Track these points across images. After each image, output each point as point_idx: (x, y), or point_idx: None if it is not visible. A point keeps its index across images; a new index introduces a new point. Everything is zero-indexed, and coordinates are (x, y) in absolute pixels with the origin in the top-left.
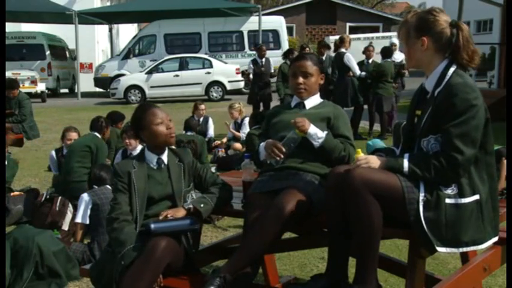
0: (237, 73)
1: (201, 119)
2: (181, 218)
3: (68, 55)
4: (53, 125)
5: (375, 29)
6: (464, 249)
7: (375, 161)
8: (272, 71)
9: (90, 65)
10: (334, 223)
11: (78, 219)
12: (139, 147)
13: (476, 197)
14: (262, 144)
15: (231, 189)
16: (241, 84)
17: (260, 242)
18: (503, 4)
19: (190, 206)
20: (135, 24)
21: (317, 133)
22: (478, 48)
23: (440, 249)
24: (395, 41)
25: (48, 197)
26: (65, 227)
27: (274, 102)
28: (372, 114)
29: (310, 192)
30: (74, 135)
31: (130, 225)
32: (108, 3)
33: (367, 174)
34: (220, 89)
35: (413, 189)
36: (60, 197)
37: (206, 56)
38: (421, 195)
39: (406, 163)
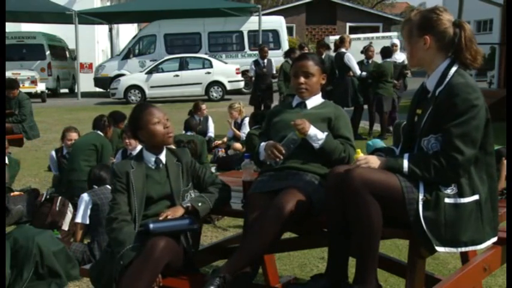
0: (237, 73)
1: (201, 119)
2: (180, 217)
3: (68, 55)
4: (53, 125)
5: (375, 29)
6: (463, 249)
7: (374, 161)
8: (274, 72)
9: (90, 65)
10: (334, 223)
11: (78, 219)
12: (139, 147)
13: (476, 197)
14: (263, 144)
15: (229, 189)
16: (241, 84)
17: (260, 242)
18: (503, 4)
19: (188, 204)
20: (135, 24)
21: (317, 135)
22: (481, 49)
23: (439, 249)
24: (396, 41)
25: (48, 197)
26: (65, 227)
27: (276, 104)
28: (372, 114)
29: (310, 192)
30: (74, 136)
31: (129, 225)
32: (108, 3)
33: (366, 174)
34: (220, 89)
35: (413, 189)
36: (60, 197)
37: (206, 56)
38: (421, 195)
39: (405, 163)
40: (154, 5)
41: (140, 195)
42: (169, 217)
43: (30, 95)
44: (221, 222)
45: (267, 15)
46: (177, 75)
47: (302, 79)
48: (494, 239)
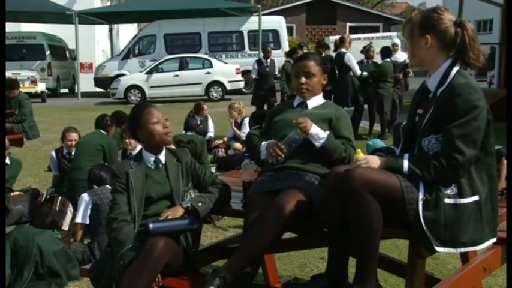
0: (237, 73)
1: (201, 119)
2: (180, 217)
3: (68, 55)
4: (53, 125)
5: (375, 29)
6: (463, 250)
7: (374, 161)
8: (276, 72)
9: (90, 65)
10: (334, 223)
11: (78, 219)
12: (139, 147)
13: (476, 197)
14: (264, 143)
15: (229, 189)
16: (241, 84)
17: (260, 242)
18: (503, 4)
19: (188, 204)
20: (135, 24)
21: (319, 133)
22: (483, 48)
23: (438, 249)
24: (397, 40)
25: (48, 197)
26: (65, 227)
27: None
28: (372, 114)
29: (310, 192)
30: (74, 136)
31: (129, 225)
32: (108, 3)
33: (366, 174)
34: (220, 89)
35: (413, 189)
36: (60, 197)
37: (206, 56)
38: (421, 195)
39: (406, 163)
40: (154, 5)
41: (140, 195)
42: (169, 217)
43: (30, 95)
44: (221, 222)
45: (267, 15)
46: (177, 75)
47: (303, 79)
48: (494, 240)
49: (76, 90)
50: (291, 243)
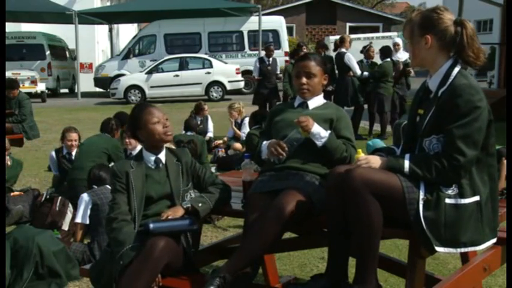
0: (237, 73)
1: (202, 119)
2: (181, 218)
3: (68, 55)
4: (53, 125)
5: (375, 29)
6: (463, 250)
7: (375, 161)
8: (278, 72)
9: (90, 65)
10: (334, 223)
11: (78, 219)
12: (139, 147)
13: (477, 198)
14: (265, 142)
15: (229, 189)
16: (241, 84)
17: (260, 242)
18: (503, 4)
19: (189, 204)
20: (135, 24)
21: (320, 133)
22: (483, 47)
23: (439, 249)
24: (398, 40)
25: (48, 197)
26: (65, 227)
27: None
28: (372, 115)
29: (311, 192)
30: (74, 136)
31: (129, 225)
32: (108, 3)
33: (367, 174)
34: (220, 89)
35: (414, 189)
36: (60, 197)
37: (206, 56)
38: (421, 195)
39: (407, 163)
40: (154, 5)
41: (140, 195)
42: (169, 217)
43: (30, 95)
44: (221, 222)
45: (267, 15)
46: (177, 75)
47: (304, 79)
48: (494, 240)
49: (76, 90)
50: (291, 243)
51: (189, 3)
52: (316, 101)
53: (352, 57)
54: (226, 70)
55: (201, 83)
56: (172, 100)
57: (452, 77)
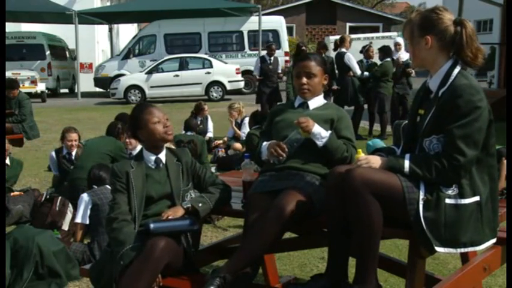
0: (237, 73)
1: (202, 119)
2: (181, 218)
3: (68, 55)
4: (53, 125)
5: (375, 29)
6: (462, 250)
7: (375, 161)
8: (280, 71)
9: (90, 65)
10: (334, 223)
11: (78, 219)
12: (139, 147)
13: (477, 198)
14: (265, 143)
15: (230, 189)
16: (241, 84)
17: (260, 242)
18: (503, 4)
19: (189, 205)
20: (135, 24)
21: (321, 132)
22: (483, 48)
23: (438, 249)
24: (400, 40)
25: (48, 197)
26: (65, 227)
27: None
28: (372, 115)
29: (311, 192)
30: (73, 136)
31: (129, 225)
32: (108, 3)
33: (367, 174)
34: (220, 89)
35: (414, 189)
36: (60, 197)
37: (206, 56)
38: (421, 195)
39: (407, 163)
40: (154, 5)
41: (140, 195)
42: (170, 217)
43: (30, 95)
44: (221, 222)
45: (267, 15)
46: (177, 75)
47: (304, 80)
48: (494, 241)
49: (76, 90)
50: (291, 243)
51: (189, 3)
52: (317, 101)
53: (352, 57)
54: (226, 70)
55: (201, 83)
56: (172, 100)
57: (452, 77)
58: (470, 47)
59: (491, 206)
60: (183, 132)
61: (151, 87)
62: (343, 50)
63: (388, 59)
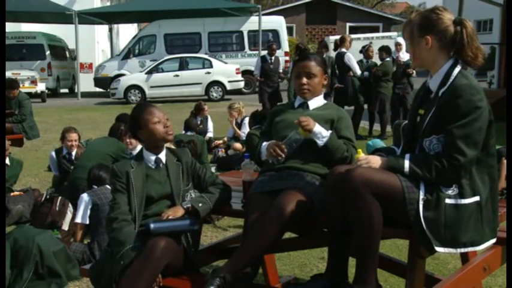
0: (237, 73)
1: (202, 119)
2: (181, 218)
3: (68, 55)
4: (53, 125)
5: (375, 29)
6: (462, 250)
7: (375, 161)
8: (281, 70)
9: (90, 65)
10: (334, 223)
11: (78, 219)
12: (139, 147)
13: (477, 198)
14: (265, 143)
15: (230, 189)
16: (241, 84)
17: (260, 242)
18: (503, 4)
19: (189, 205)
20: (135, 24)
21: (321, 132)
22: (483, 47)
23: (438, 249)
24: (400, 40)
25: (48, 197)
26: (65, 227)
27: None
28: (372, 115)
29: (311, 192)
30: (74, 136)
31: (129, 225)
32: (108, 3)
33: (367, 174)
34: (220, 89)
35: (414, 189)
36: (60, 197)
37: (206, 56)
38: (421, 195)
39: (407, 163)
40: (154, 5)
41: (140, 195)
42: (170, 217)
43: (30, 95)
44: (221, 222)
45: (267, 15)
46: (177, 75)
47: (304, 80)
48: (493, 241)
49: (76, 90)
50: (291, 243)
51: (189, 3)
52: (317, 102)
53: (352, 57)
54: (226, 70)
55: (201, 83)
56: (172, 100)
57: (452, 77)
58: (470, 47)
59: (491, 206)
60: (183, 132)
61: (151, 87)
62: (343, 50)
63: (388, 59)
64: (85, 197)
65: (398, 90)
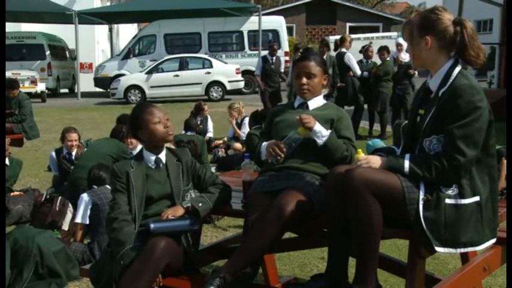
0: (237, 73)
1: (202, 119)
2: (181, 218)
3: (68, 55)
4: (53, 125)
5: (375, 29)
6: (462, 250)
7: (375, 161)
8: (282, 70)
9: (90, 65)
10: (334, 223)
11: (78, 219)
12: (139, 147)
13: (477, 198)
14: (265, 143)
15: (230, 189)
16: (241, 84)
17: (260, 242)
18: (503, 4)
19: (189, 204)
20: (135, 24)
21: (321, 131)
22: (483, 46)
23: (438, 249)
24: (401, 40)
25: (48, 197)
26: (65, 227)
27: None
28: (372, 115)
29: (311, 192)
30: (74, 136)
31: (129, 225)
32: (108, 3)
33: (367, 174)
34: (220, 89)
35: (414, 189)
36: (60, 197)
37: (206, 56)
38: (421, 195)
39: (407, 163)
40: (154, 5)
41: (140, 195)
42: (169, 217)
43: (30, 95)
44: (221, 222)
45: (267, 15)
46: (177, 75)
47: (304, 80)
48: (493, 241)
49: (76, 90)
50: (291, 243)
51: (189, 3)
52: (317, 102)
53: (352, 57)
54: (226, 70)
55: (201, 83)
56: (172, 100)
57: (453, 77)
58: (472, 47)
59: (491, 206)
60: (183, 132)
61: (151, 87)
62: (343, 50)
63: (389, 58)
64: (85, 197)
65: (399, 90)
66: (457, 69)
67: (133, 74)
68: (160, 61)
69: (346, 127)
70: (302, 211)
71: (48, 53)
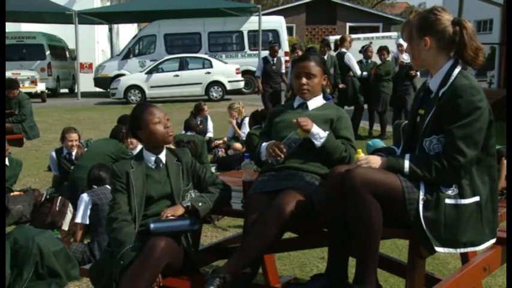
0: (237, 73)
1: (202, 119)
2: (181, 218)
3: (68, 55)
4: (53, 125)
5: (375, 29)
6: (462, 250)
7: (375, 161)
8: (283, 71)
9: (90, 65)
10: (334, 223)
11: (78, 219)
12: (139, 147)
13: (477, 198)
14: (264, 144)
15: (230, 189)
16: (241, 84)
17: (260, 242)
18: (503, 4)
19: (189, 203)
20: (135, 24)
21: (319, 133)
22: (482, 46)
23: (438, 249)
24: (402, 42)
25: (48, 197)
26: (65, 227)
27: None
28: (372, 114)
29: (311, 192)
30: (74, 136)
31: (129, 225)
32: (108, 3)
33: (367, 174)
34: (220, 89)
35: (414, 189)
36: (60, 197)
37: (206, 56)
38: (421, 195)
39: (407, 163)
40: (154, 5)
41: (140, 195)
42: (169, 216)
43: (30, 95)
44: (221, 222)
45: (267, 15)
46: (177, 75)
47: (304, 80)
48: (493, 241)
49: (76, 90)
50: (291, 243)
51: (189, 3)
52: (316, 102)
53: (352, 57)
54: (226, 70)
55: (201, 83)
56: (172, 100)
57: (453, 78)
58: (471, 47)
59: (491, 206)
60: (183, 132)
61: (151, 87)
62: (343, 50)
63: (389, 58)
64: (85, 197)
65: (401, 91)
66: (457, 69)
67: (133, 74)
68: (160, 61)
69: (346, 127)
70: (302, 211)
71: (48, 53)
